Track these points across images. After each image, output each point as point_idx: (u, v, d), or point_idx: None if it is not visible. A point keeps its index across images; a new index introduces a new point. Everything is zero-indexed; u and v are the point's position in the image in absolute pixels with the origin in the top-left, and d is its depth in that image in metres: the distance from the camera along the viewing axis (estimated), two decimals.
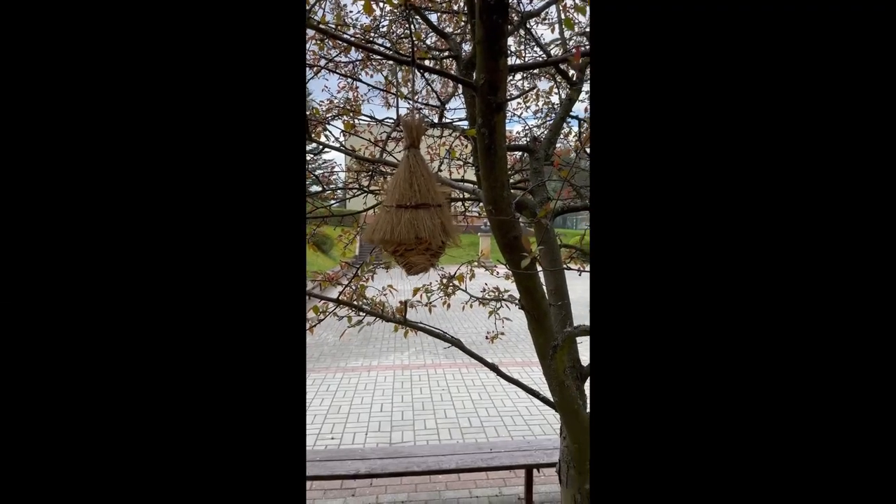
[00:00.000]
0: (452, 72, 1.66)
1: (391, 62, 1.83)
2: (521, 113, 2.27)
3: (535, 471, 2.53)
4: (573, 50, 1.52)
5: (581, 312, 1.87)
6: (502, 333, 2.06)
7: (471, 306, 1.88)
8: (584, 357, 1.43)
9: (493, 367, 1.35)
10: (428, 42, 2.05)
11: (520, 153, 2.12)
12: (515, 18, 1.62)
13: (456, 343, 1.31)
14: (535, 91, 2.19)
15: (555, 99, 2.17)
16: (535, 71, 2.07)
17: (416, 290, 1.89)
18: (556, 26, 1.93)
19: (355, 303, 1.47)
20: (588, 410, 1.27)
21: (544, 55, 1.73)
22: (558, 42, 1.91)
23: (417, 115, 0.98)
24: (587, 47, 1.63)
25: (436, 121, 1.79)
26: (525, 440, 2.88)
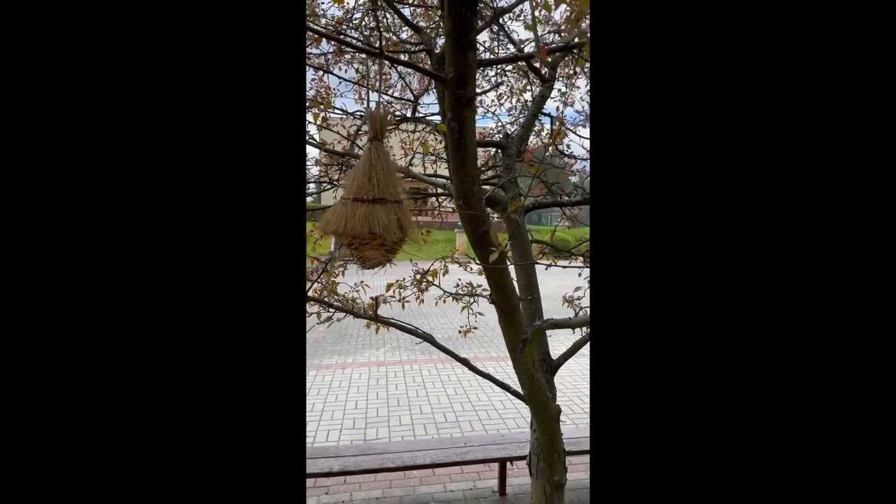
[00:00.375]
0: (426, 66, 1.65)
1: (363, 55, 1.81)
2: (495, 110, 2.28)
3: (508, 464, 2.57)
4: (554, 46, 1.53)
5: (552, 307, 1.90)
6: (475, 328, 2.08)
7: (444, 301, 1.88)
8: (554, 350, 1.45)
9: (465, 362, 1.36)
10: (403, 36, 2.04)
11: (493, 149, 2.13)
12: (488, 14, 1.62)
13: (428, 338, 1.31)
14: (508, 88, 2.21)
15: (528, 96, 2.19)
16: (508, 67, 2.08)
17: (389, 286, 1.88)
18: (530, 23, 1.94)
19: (326, 299, 1.45)
20: (556, 402, 1.29)
21: (517, 52, 1.74)
22: (531, 39, 1.92)
23: (383, 108, 0.97)
24: (555, 44, 1.65)
25: (409, 115, 1.77)
26: (499, 434, 2.91)
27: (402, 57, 1.99)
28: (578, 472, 2.81)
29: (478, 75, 2.31)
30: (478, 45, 2.13)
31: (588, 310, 1.34)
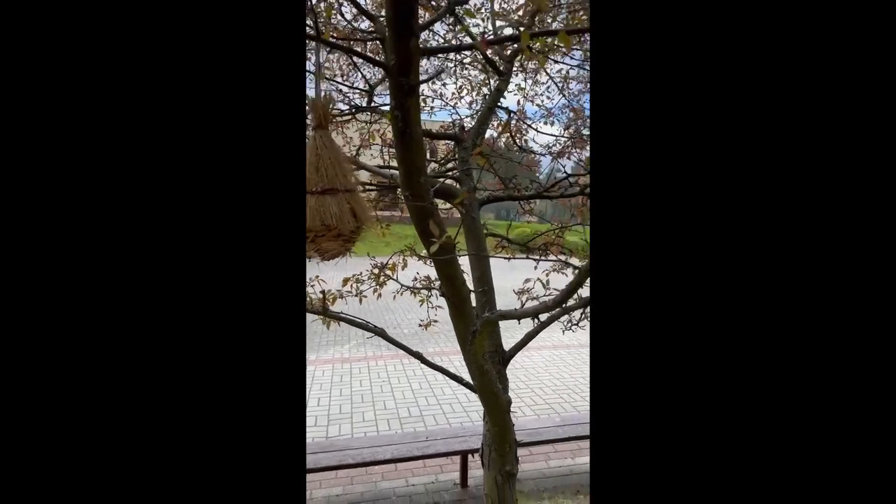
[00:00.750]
0: (379, 55, 1.62)
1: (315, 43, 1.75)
2: (455, 103, 2.27)
3: (470, 456, 2.59)
4: (515, 34, 1.53)
5: (510, 301, 1.91)
6: (435, 321, 2.07)
7: (401, 295, 1.87)
8: (507, 342, 1.47)
9: (418, 355, 1.35)
10: (363, 25, 1.99)
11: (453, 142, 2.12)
12: (444, 5, 1.61)
13: (379, 333, 1.29)
14: (468, 80, 2.20)
15: (487, 90, 2.19)
16: (466, 60, 2.08)
17: (345, 281, 1.84)
18: (489, 15, 1.94)
19: None
20: (508, 394, 1.30)
21: (473, 43, 1.73)
22: (489, 31, 1.92)
23: (324, 96, 0.95)
24: (492, 36, 1.65)
25: (364, 105, 1.74)
26: (462, 426, 2.93)
27: (359, 46, 1.94)
28: (538, 461, 2.87)
29: (441, 66, 2.29)
30: (436, 36, 2.10)
31: (537, 301, 1.36)
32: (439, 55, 2.04)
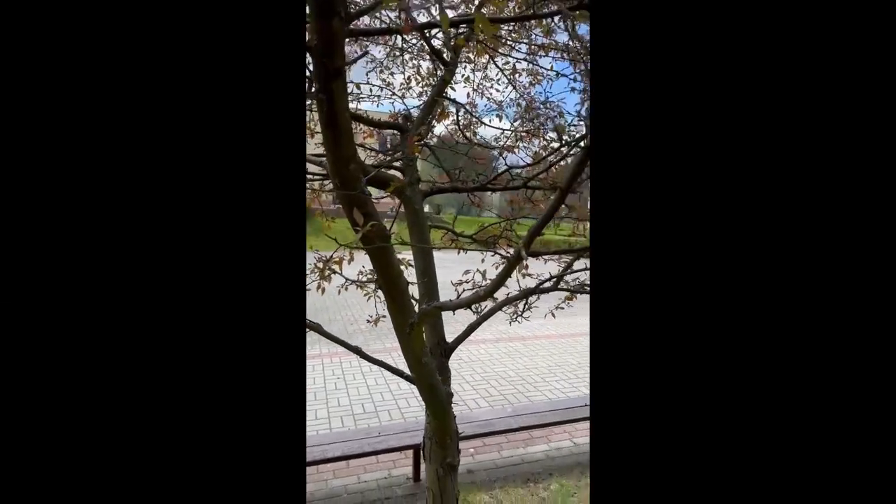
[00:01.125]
0: None
1: None
2: (403, 94, 2.23)
3: (422, 450, 2.58)
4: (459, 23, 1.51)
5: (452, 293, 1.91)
6: (384, 316, 2.04)
7: (346, 289, 1.82)
8: (449, 334, 1.46)
9: (356, 350, 1.32)
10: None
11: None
12: None
13: (314, 327, 1.25)
14: (415, 70, 2.17)
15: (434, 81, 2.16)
16: (414, 49, 2.04)
17: None
18: (437, 6, 1.91)
19: None
20: (448, 386, 1.30)
21: (417, 33, 1.70)
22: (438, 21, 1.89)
23: None
24: (424, 20, 1.62)
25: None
26: (417, 421, 2.92)
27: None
28: (492, 452, 2.91)
29: (366, 50, 2.24)
30: (383, 24, 2.05)
31: (472, 292, 1.36)
32: (372, 39, 2.00)
